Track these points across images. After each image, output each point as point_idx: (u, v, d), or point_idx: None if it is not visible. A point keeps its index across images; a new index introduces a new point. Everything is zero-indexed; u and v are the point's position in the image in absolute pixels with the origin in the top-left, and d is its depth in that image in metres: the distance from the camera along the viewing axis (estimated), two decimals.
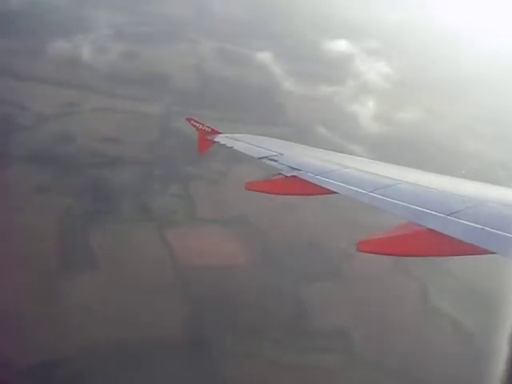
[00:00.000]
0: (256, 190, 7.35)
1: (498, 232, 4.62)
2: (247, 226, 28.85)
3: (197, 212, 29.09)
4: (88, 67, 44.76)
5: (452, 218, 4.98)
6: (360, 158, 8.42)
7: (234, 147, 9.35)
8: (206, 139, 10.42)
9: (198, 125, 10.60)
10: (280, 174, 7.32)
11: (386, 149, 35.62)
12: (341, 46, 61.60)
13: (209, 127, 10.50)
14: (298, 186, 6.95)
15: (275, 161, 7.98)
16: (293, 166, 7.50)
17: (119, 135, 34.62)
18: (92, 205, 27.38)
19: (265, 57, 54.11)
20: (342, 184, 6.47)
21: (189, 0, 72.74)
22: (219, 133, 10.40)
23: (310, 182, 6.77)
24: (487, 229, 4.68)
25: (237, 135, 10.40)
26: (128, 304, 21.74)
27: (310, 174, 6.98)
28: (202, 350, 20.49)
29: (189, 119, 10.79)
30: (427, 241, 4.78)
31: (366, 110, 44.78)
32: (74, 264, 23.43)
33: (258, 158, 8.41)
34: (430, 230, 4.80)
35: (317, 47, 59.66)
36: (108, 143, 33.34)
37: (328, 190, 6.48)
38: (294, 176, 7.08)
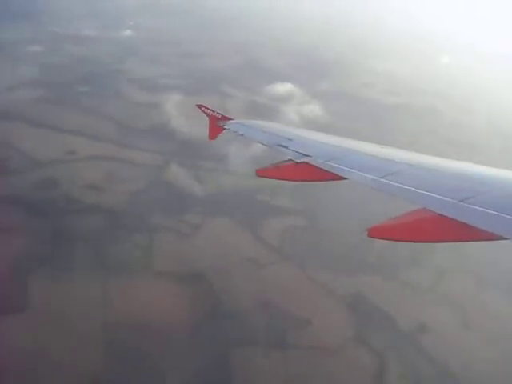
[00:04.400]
0: (266, 177, 7.42)
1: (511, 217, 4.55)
2: (201, 282, 28.08)
3: (153, 264, 28.75)
4: (104, 116, 46.93)
5: (464, 204, 4.95)
6: (370, 143, 8.15)
7: (244, 135, 9.40)
8: (216, 126, 10.45)
9: (208, 111, 10.68)
10: (290, 160, 7.34)
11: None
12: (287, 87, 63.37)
13: (219, 113, 10.58)
14: (309, 172, 6.99)
15: (285, 147, 7.98)
16: (303, 151, 7.54)
17: (104, 183, 35.47)
18: (47, 249, 27.79)
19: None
20: (352, 170, 6.46)
21: (235, 54, 75.50)
22: (229, 119, 10.40)
23: (320, 168, 6.80)
24: (500, 214, 4.61)
25: (246, 121, 10.36)
26: (38, 352, 21.49)
27: (320, 160, 7.01)
28: None
29: (199, 106, 10.87)
30: (439, 227, 4.78)
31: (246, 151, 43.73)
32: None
33: (269, 146, 8.41)
34: (442, 215, 4.80)
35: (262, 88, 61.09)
36: (90, 190, 34.18)
37: (338, 175, 6.48)
38: (304, 162, 7.12)
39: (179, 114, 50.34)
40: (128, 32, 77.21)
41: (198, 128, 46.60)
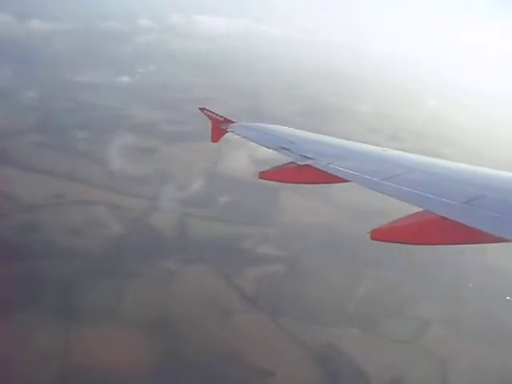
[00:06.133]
0: (269, 179, 7.58)
1: None
2: (168, 331, 27.77)
3: (121, 312, 28.54)
4: (97, 162, 47.84)
5: (466, 206, 4.96)
6: (371, 145, 8.25)
7: (247, 137, 9.47)
8: (218, 129, 10.53)
9: (210, 114, 10.75)
10: (293, 162, 7.38)
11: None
12: None
13: (221, 116, 10.62)
14: (311, 174, 7.04)
15: (287, 149, 8.02)
16: (305, 154, 7.57)
17: (86, 228, 35.78)
18: (14, 294, 27.88)
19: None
20: (355, 172, 6.51)
21: (241, 99, 76.35)
22: (232, 122, 10.49)
23: (322, 171, 6.85)
24: (503, 216, 4.63)
25: (249, 124, 10.51)
26: None
27: (322, 163, 7.06)
28: None
29: (201, 109, 10.94)
30: (441, 229, 4.79)
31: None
32: None
33: (271, 148, 8.44)
34: (444, 218, 4.80)
35: None
36: (70, 235, 34.50)
37: (340, 178, 6.54)
38: (306, 165, 7.17)
39: (173, 159, 50.89)
40: (131, 77, 79.25)
41: (192, 173, 47.32)
